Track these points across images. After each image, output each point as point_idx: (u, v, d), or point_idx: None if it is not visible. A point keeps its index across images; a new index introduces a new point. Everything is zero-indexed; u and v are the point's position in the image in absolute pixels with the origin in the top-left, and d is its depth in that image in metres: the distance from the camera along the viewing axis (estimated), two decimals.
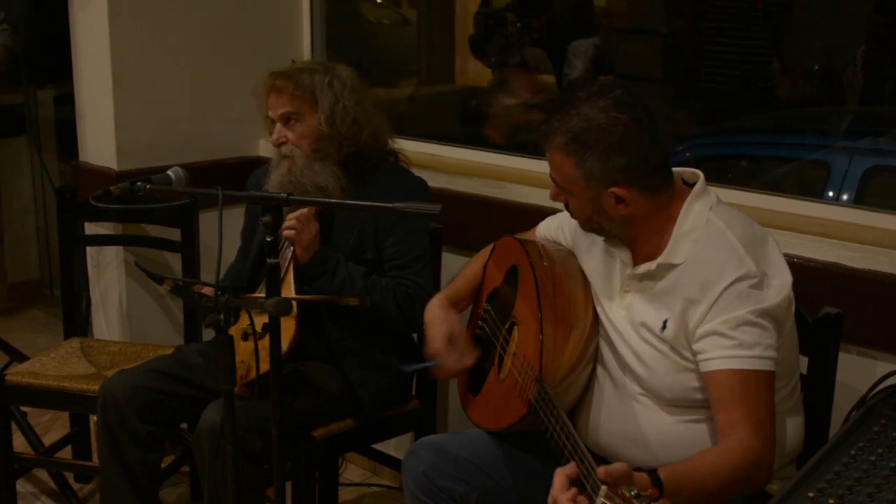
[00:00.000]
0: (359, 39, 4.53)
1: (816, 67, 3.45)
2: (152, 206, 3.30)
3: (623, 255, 2.19)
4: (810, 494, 1.67)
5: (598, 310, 2.23)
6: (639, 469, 1.83)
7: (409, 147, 3.68)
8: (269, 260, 2.24)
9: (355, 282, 2.76)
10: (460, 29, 4.44)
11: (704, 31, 3.68)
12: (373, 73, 4.28)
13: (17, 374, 3.18)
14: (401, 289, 2.82)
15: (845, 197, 3.01)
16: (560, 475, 1.78)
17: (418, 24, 4.81)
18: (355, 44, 4.42)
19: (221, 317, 2.13)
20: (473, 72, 4.52)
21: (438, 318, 2.47)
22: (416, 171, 3.02)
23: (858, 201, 2.92)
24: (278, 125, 2.86)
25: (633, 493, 1.60)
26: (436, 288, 2.91)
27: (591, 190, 2.07)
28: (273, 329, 2.22)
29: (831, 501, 1.63)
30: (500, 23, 4.35)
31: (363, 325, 2.84)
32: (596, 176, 2.04)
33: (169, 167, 2.55)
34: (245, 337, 2.61)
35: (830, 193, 3.07)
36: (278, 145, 2.87)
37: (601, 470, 1.65)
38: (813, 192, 3.11)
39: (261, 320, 2.45)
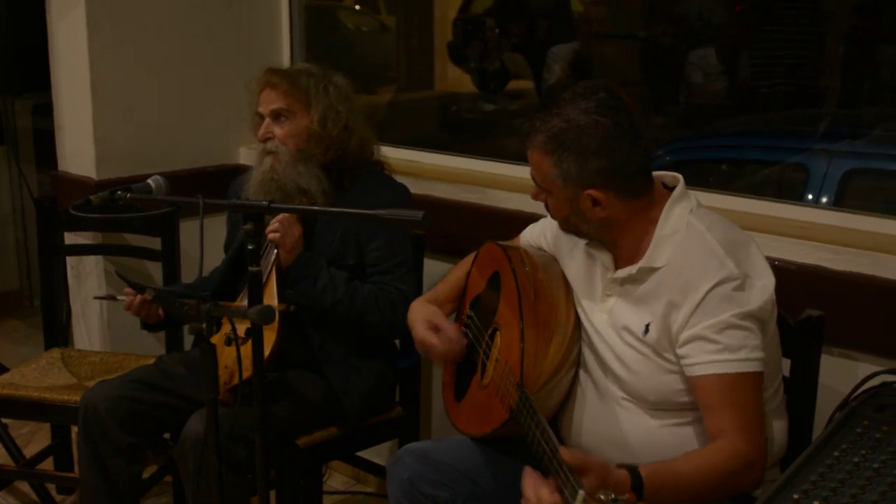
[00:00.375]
0: (337, 47, 4.53)
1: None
2: (132, 215, 3.27)
3: (604, 259, 2.20)
4: (795, 496, 1.66)
5: (580, 314, 2.24)
6: (621, 466, 1.84)
7: (390, 153, 3.67)
8: (250, 268, 2.22)
9: (337, 286, 2.76)
10: (439, 35, 4.45)
11: (683, 36, 3.70)
12: (353, 80, 4.27)
13: None
14: (383, 294, 2.81)
15: (824, 200, 3.02)
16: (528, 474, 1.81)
17: (397, 30, 4.82)
18: (334, 51, 4.41)
19: (203, 325, 2.12)
20: (452, 78, 4.52)
21: (418, 311, 2.47)
22: (397, 178, 3.01)
23: (838, 204, 2.94)
24: (267, 121, 2.86)
25: (610, 497, 1.60)
26: (418, 293, 2.90)
27: (569, 191, 2.08)
28: (255, 337, 2.21)
29: (816, 503, 1.63)
30: (479, 28, 4.35)
31: (346, 332, 2.83)
32: (573, 177, 2.05)
33: (149, 176, 2.53)
34: (228, 342, 2.59)
35: (810, 196, 3.08)
36: (264, 140, 2.86)
37: (565, 454, 1.71)
38: (792, 195, 3.13)
39: (243, 326, 2.44)
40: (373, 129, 3.00)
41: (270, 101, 2.85)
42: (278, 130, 2.85)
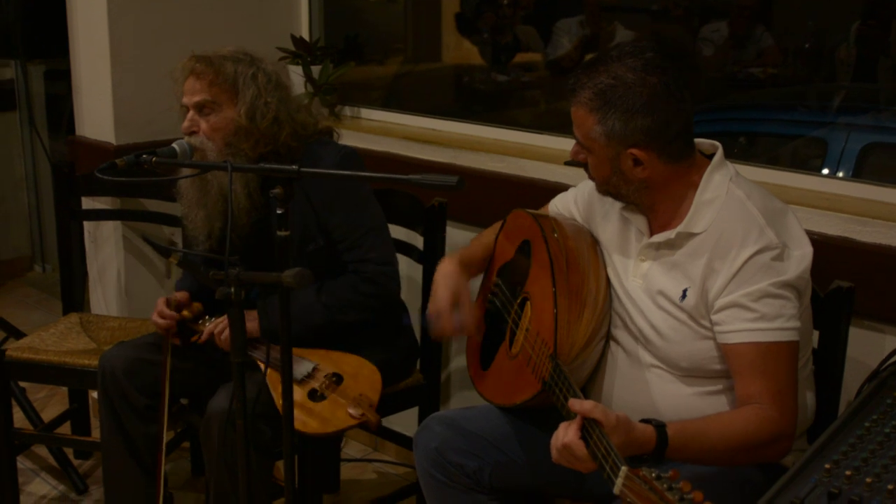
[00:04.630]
0: (346, 16, 4.49)
1: (807, 45, 3.45)
2: (155, 179, 3.23)
3: (639, 224, 2.19)
4: (826, 466, 1.67)
5: (613, 279, 2.23)
6: (645, 420, 1.88)
7: (410, 121, 3.67)
8: (279, 233, 2.20)
9: (311, 305, 2.68)
10: (447, 6, 4.43)
11: (695, 9, 3.68)
12: (362, 49, 4.26)
13: (18, 349, 3.16)
14: (359, 278, 2.71)
15: (840, 174, 3.01)
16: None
17: (405, 0, 4.78)
18: (343, 20, 4.38)
19: (232, 290, 2.10)
20: (461, 49, 4.50)
21: (448, 275, 2.43)
22: (418, 146, 2.96)
23: (856, 178, 2.92)
24: (191, 113, 2.69)
25: (653, 475, 1.59)
26: (390, 251, 2.82)
27: (611, 149, 2.06)
28: (283, 299, 2.18)
29: (848, 473, 1.64)
30: (490, 0, 4.34)
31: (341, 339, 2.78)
32: (616, 135, 2.03)
33: (168, 142, 2.50)
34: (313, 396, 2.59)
35: (826, 171, 3.07)
36: (189, 133, 2.69)
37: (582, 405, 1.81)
38: (810, 169, 3.11)
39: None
40: (308, 113, 2.87)
41: (194, 93, 2.68)
42: (204, 124, 2.67)
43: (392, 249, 2.83)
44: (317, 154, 2.74)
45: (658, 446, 1.88)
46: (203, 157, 2.66)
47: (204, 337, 2.75)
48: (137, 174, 2.45)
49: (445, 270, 2.46)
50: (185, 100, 2.71)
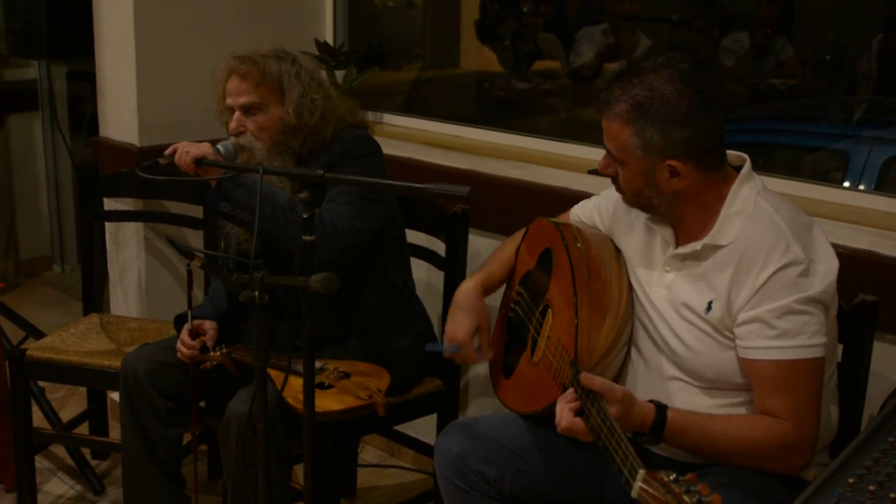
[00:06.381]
0: (365, 21, 4.50)
1: (828, 57, 3.45)
2: (189, 179, 3.18)
3: (665, 234, 2.18)
4: (850, 480, 1.66)
5: (636, 289, 2.22)
6: (653, 401, 1.98)
7: (433, 128, 3.67)
8: (304, 237, 2.20)
9: (276, 194, 2.57)
10: (466, 12, 4.44)
11: (716, 20, 3.68)
12: (381, 55, 4.27)
13: (38, 349, 3.18)
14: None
15: (862, 188, 3.00)
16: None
17: (424, 7, 4.79)
18: (363, 25, 4.39)
19: (256, 293, 2.10)
20: (480, 56, 4.50)
21: (470, 307, 2.45)
22: (440, 152, 2.94)
23: (879, 191, 2.91)
24: (238, 114, 2.71)
25: (671, 477, 1.59)
26: (354, 225, 2.67)
27: (647, 161, 2.04)
28: (307, 306, 2.18)
29: (871, 488, 1.63)
30: (510, 7, 4.34)
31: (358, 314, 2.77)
32: (654, 147, 2.02)
33: None
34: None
35: (847, 184, 3.06)
36: (237, 135, 2.71)
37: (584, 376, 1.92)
38: (832, 181, 3.11)
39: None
40: (347, 104, 2.87)
41: (240, 94, 2.69)
42: (251, 124, 2.70)
43: (357, 232, 2.65)
44: (339, 139, 2.75)
45: (655, 425, 1.95)
46: (251, 156, 2.68)
47: (209, 364, 2.80)
48: (177, 174, 2.47)
49: (468, 298, 2.47)
50: (230, 101, 2.72)
